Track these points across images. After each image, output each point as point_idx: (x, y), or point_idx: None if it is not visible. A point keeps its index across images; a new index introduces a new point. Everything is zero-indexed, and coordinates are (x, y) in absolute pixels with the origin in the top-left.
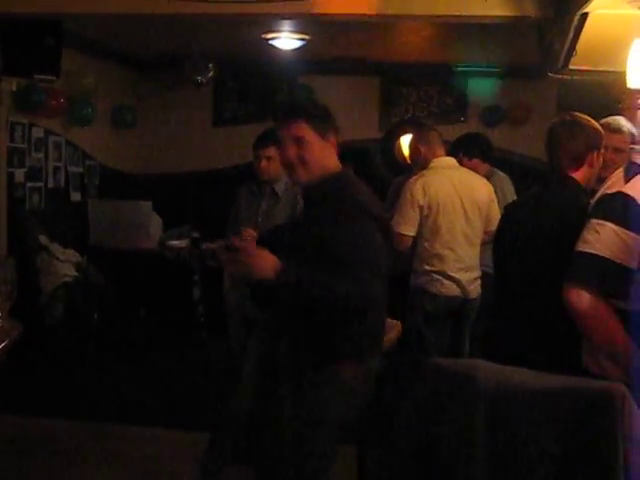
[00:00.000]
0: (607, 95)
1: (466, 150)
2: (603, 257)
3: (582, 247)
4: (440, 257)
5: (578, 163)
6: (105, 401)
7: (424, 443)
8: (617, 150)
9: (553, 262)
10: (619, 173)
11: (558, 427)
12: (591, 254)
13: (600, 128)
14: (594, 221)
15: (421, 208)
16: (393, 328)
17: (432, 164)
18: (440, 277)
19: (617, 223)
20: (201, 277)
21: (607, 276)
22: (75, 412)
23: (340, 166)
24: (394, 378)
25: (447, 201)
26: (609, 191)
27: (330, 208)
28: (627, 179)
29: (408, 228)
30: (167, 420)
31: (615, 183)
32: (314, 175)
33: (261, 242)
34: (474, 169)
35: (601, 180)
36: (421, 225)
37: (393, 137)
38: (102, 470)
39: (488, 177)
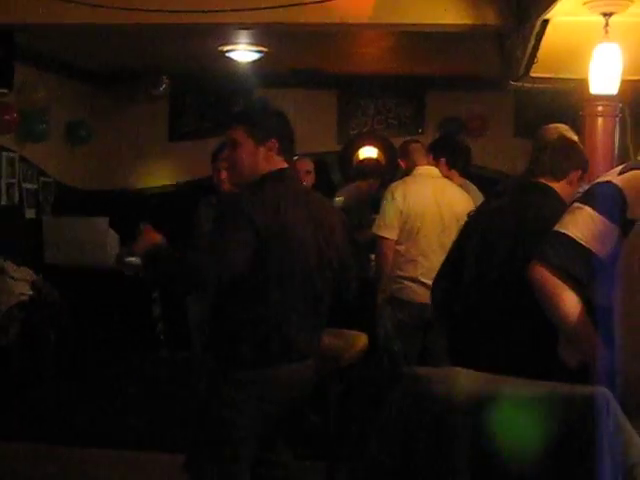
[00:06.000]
0: (565, 104)
1: (448, 158)
2: (572, 238)
3: (557, 227)
4: (414, 263)
5: (559, 177)
6: (61, 422)
7: (401, 456)
8: None
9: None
10: (614, 170)
11: (543, 434)
12: (562, 234)
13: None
14: (575, 204)
15: (401, 212)
16: (357, 341)
17: (415, 171)
18: (412, 284)
19: (595, 208)
20: (160, 294)
21: (572, 257)
22: (30, 433)
23: (274, 169)
24: (362, 391)
25: (426, 208)
26: (600, 180)
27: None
28: (621, 173)
29: (389, 232)
30: (125, 441)
31: (608, 175)
32: (242, 178)
33: None
34: (450, 178)
35: None
36: (399, 229)
37: (351, 149)
38: None
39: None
